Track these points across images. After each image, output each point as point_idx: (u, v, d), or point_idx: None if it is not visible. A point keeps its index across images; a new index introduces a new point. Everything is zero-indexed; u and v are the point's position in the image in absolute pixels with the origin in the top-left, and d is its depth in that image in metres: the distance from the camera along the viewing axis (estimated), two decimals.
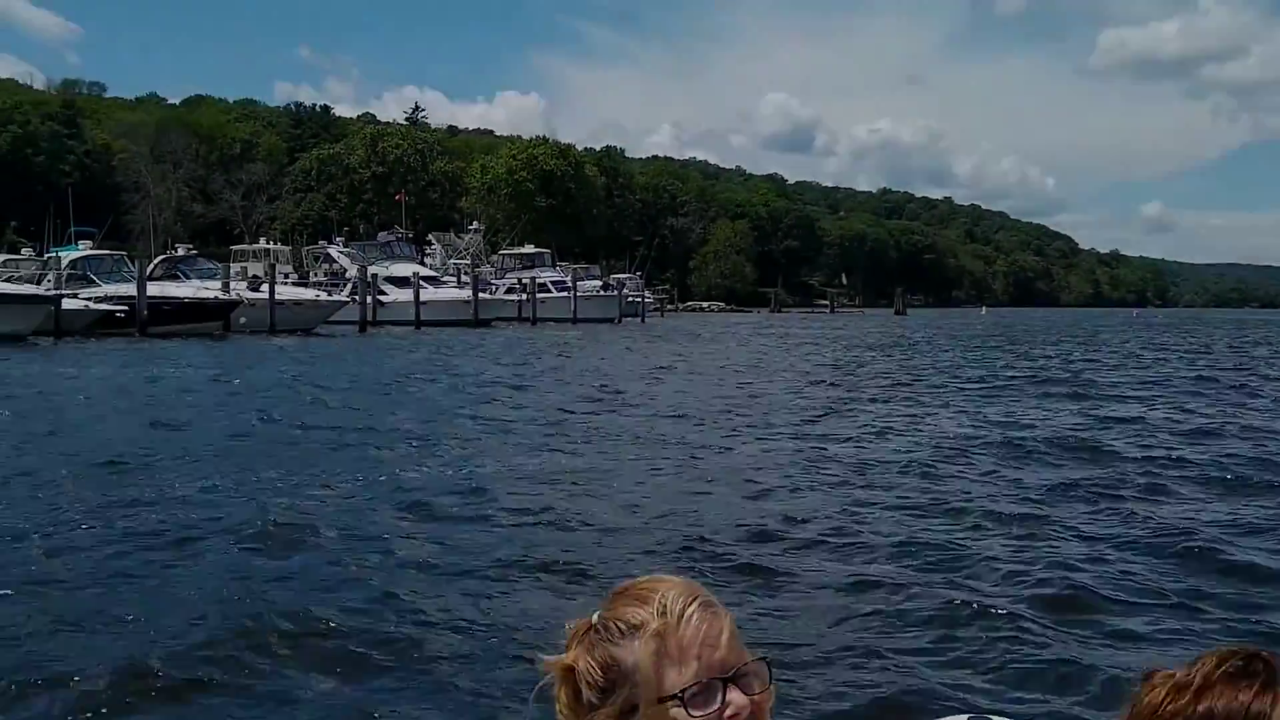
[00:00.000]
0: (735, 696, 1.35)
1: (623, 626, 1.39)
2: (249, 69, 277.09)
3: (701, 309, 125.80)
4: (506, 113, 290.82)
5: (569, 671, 1.43)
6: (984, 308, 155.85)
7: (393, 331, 48.46)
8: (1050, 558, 7.40)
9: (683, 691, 1.34)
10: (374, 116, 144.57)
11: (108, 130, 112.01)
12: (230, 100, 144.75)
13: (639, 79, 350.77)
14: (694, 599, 1.39)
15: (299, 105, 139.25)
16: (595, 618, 1.44)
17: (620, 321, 68.26)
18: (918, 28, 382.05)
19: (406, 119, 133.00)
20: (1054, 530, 8.36)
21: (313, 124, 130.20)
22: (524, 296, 64.69)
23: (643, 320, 74.08)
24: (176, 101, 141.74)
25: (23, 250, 48.61)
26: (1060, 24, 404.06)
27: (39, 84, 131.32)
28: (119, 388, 19.84)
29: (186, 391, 19.30)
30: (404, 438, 13.47)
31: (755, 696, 1.36)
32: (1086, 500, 9.62)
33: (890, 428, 15.15)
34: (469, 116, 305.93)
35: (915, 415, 16.84)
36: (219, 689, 5.06)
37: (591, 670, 1.40)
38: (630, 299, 75.73)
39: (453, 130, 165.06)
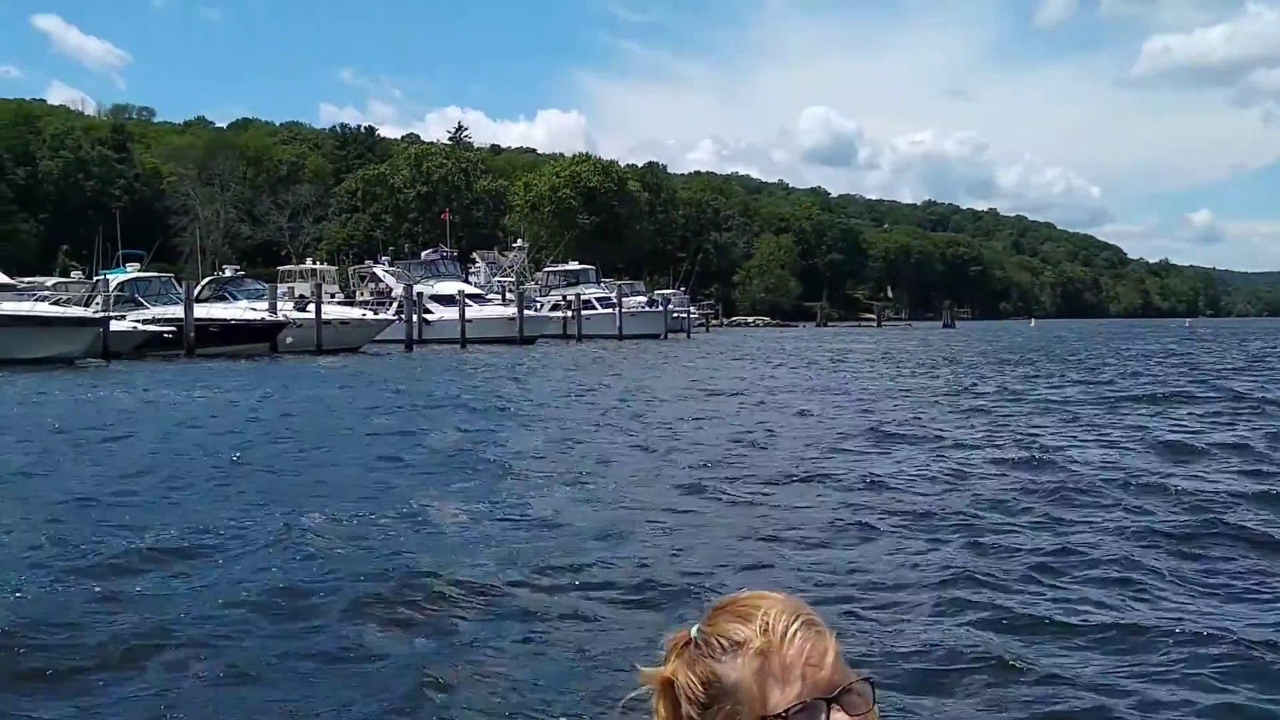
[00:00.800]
0: (839, 717, 1.32)
1: (725, 643, 1.37)
2: (294, 92, 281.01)
3: (746, 323, 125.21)
4: (547, 131, 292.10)
5: (668, 684, 1.41)
6: (1032, 320, 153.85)
7: (438, 350, 48.21)
8: None
9: (786, 711, 1.31)
10: (418, 137, 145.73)
11: (156, 154, 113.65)
12: (277, 123, 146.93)
13: (678, 95, 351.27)
14: (797, 617, 1.36)
15: (344, 126, 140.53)
16: (695, 632, 1.41)
17: (666, 337, 67.62)
18: (958, 40, 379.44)
19: (450, 138, 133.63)
20: None
21: (358, 145, 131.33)
22: (569, 314, 64.26)
23: (688, 336, 73.38)
24: (224, 125, 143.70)
25: (72, 273, 48.99)
26: (1103, 33, 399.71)
27: (90, 110, 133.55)
28: (176, 407, 19.46)
29: (239, 414, 18.85)
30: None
31: (859, 717, 1.33)
32: None
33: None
34: (510, 135, 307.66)
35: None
36: None
37: (692, 685, 1.38)
38: (676, 314, 75.09)
39: (495, 149, 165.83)
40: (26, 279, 45.08)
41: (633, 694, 1.48)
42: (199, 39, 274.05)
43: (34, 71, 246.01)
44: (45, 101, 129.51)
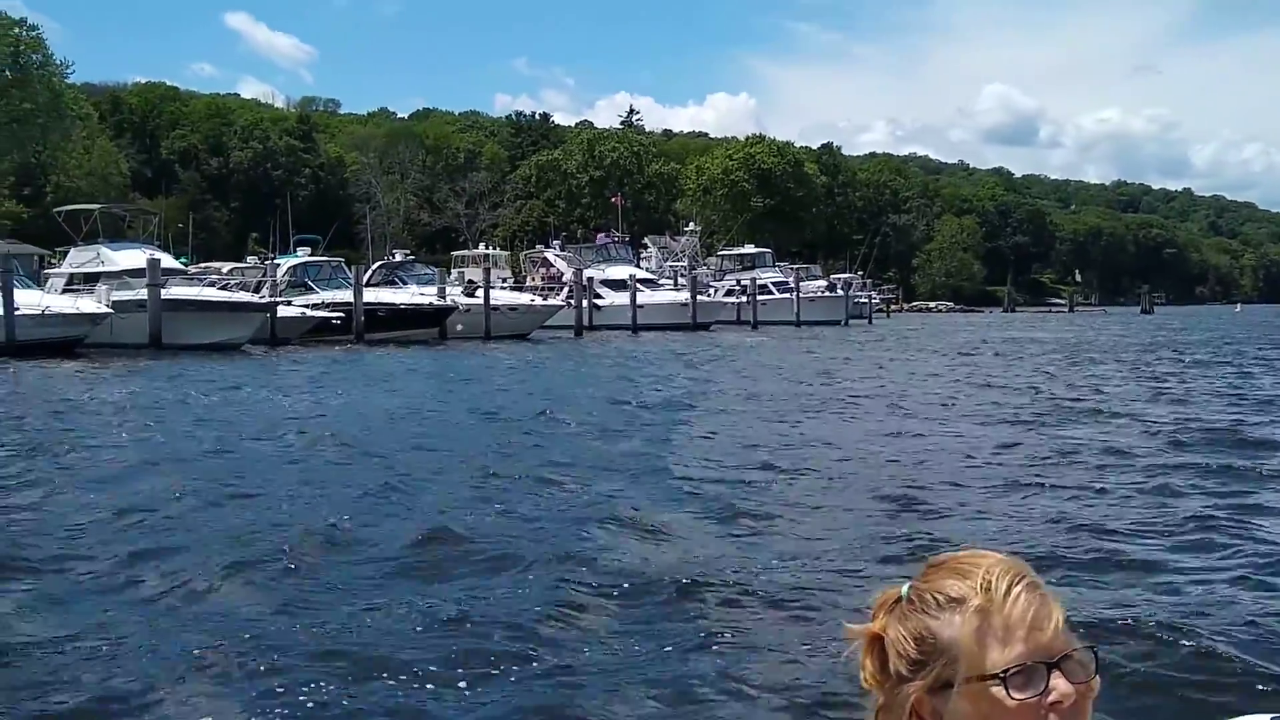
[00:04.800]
0: (1059, 683, 1.26)
1: (941, 599, 1.32)
2: (471, 83, 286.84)
3: (928, 309, 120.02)
4: (717, 115, 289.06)
5: (876, 640, 1.38)
6: (1238, 305, 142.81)
7: (609, 337, 46.54)
8: None
9: (1004, 671, 1.26)
10: (591, 124, 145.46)
11: (341, 144, 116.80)
12: (456, 112, 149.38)
13: (850, 76, 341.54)
14: (1021, 577, 1.31)
15: (519, 114, 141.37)
16: (907, 589, 1.37)
17: (847, 324, 64.32)
18: (1144, 13, 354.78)
19: (622, 123, 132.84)
20: None
21: (532, 132, 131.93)
22: (744, 299, 61.74)
23: (870, 322, 69.81)
24: (405, 115, 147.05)
25: (248, 259, 49.56)
26: None
27: (279, 103, 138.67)
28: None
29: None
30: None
31: (1080, 685, 1.27)
32: None
33: None
34: (680, 120, 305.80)
35: None
36: None
37: (903, 641, 1.34)
38: (856, 299, 71.57)
39: (667, 134, 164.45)
40: (206, 264, 45.77)
41: (845, 652, 1.41)
42: (379, 33, 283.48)
43: (226, 68, 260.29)
44: (238, 96, 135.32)
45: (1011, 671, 1.24)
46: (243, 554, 6.88)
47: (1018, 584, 1.29)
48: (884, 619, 1.37)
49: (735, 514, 8.35)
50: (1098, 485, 9.58)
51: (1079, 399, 18.26)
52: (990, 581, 1.29)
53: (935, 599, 1.32)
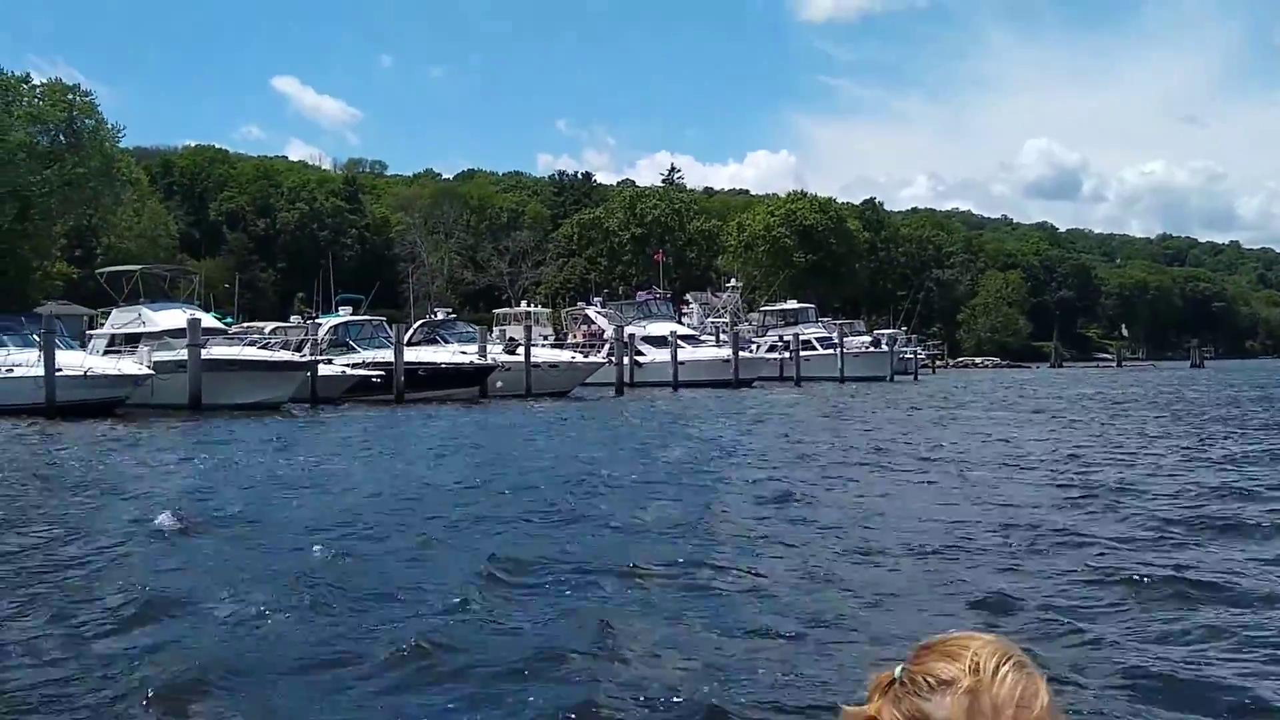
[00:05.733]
0: None
1: (932, 681, 1.36)
2: (514, 143, 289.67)
3: (974, 364, 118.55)
4: (757, 172, 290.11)
5: None
6: None
7: (650, 394, 45.98)
8: None
9: None
10: (632, 182, 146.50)
11: (386, 205, 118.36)
12: (499, 173, 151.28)
13: (892, 131, 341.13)
14: (1008, 657, 1.36)
15: (562, 174, 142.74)
16: (899, 671, 1.41)
17: (893, 379, 63.35)
18: (1189, 65, 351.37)
19: (663, 181, 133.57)
20: None
21: (574, 191, 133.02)
22: (786, 355, 61.08)
23: (916, 378, 68.73)
24: (450, 176, 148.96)
25: (292, 318, 49.78)
26: None
27: (326, 165, 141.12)
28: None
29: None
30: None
31: None
32: None
33: None
34: (721, 178, 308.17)
35: None
36: None
37: None
38: (901, 355, 70.63)
39: (708, 191, 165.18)
40: (249, 324, 45.91)
41: None
42: (424, 96, 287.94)
43: (274, 131, 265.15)
44: (286, 158, 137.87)
45: None
46: None
47: (1005, 664, 1.32)
48: (878, 701, 1.40)
49: None
50: None
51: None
52: (979, 663, 1.32)
53: (927, 681, 1.34)
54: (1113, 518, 10.80)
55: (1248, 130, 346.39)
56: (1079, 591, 7.50)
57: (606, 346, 52.10)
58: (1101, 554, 8.74)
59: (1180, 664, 5.85)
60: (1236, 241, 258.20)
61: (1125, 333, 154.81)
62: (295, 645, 6.26)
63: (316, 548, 9.02)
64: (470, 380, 39.11)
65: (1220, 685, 5.52)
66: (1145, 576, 7.77)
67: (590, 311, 63.65)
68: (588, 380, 44.78)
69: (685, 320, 65.43)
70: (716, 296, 76.53)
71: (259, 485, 14.07)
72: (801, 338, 62.69)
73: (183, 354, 30.67)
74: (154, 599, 7.23)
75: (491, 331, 55.07)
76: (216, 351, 31.45)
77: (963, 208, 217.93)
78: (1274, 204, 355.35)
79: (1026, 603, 7.12)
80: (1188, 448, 18.83)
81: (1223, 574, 7.97)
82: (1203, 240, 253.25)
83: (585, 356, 47.29)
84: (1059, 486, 13.39)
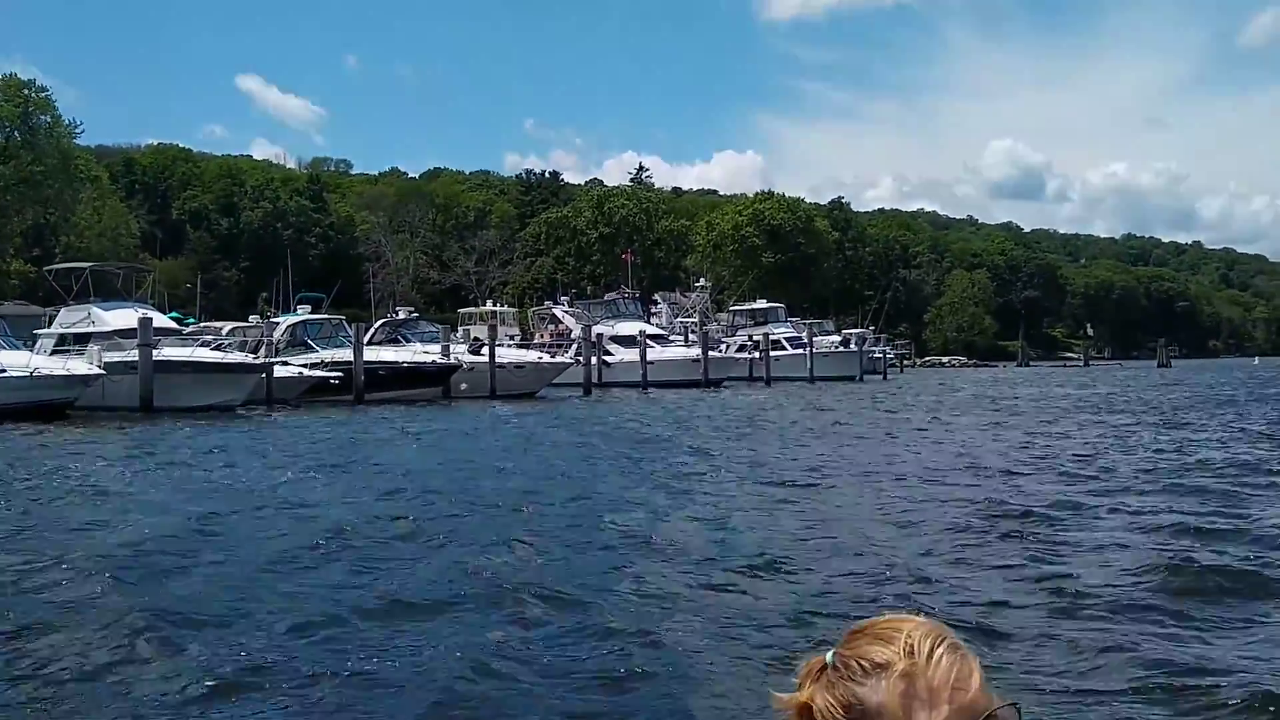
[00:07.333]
0: None
1: (866, 665, 1.34)
2: (482, 143, 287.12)
3: (941, 363, 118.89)
4: (724, 172, 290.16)
5: (805, 709, 1.39)
6: (1256, 358, 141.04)
7: (618, 395, 45.34)
8: None
9: None
10: (600, 182, 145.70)
11: (351, 204, 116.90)
12: (466, 172, 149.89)
13: (858, 133, 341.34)
14: (942, 639, 1.34)
15: (529, 173, 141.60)
16: (831, 656, 1.39)
17: (862, 379, 63.07)
18: (1152, 68, 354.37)
19: (631, 180, 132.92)
20: None
21: (542, 190, 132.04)
22: (756, 355, 60.62)
23: (885, 377, 68.51)
24: (416, 175, 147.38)
25: (250, 318, 48.64)
26: None
27: (291, 164, 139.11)
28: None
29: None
30: None
31: None
32: None
33: None
34: (688, 178, 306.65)
35: None
36: None
37: (831, 709, 1.36)
38: (870, 354, 70.36)
39: (676, 191, 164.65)
40: (206, 324, 44.76)
41: None
42: (390, 94, 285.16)
43: (238, 130, 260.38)
44: (250, 157, 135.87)
45: None
46: None
47: (939, 646, 1.31)
48: (811, 688, 1.37)
49: None
50: None
51: None
52: (913, 645, 1.31)
53: (860, 665, 1.32)
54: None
55: (1210, 132, 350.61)
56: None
57: (574, 346, 51.43)
58: None
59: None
60: (1199, 241, 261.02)
61: (1091, 332, 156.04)
62: None
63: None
64: (433, 381, 38.32)
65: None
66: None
67: (557, 311, 62.93)
68: (555, 381, 44.09)
69: (654, 320, 64.82)
70: (685, 296, 75.97)
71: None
72: (771, 337, 62.26)
73: (134, 355, 29.71)
74: None
75: (456, 331, 54.16)
76: (168, 352, 30.51)
77: (928, 208, 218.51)
78: (1235, 205, 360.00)
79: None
80: None
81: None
82: (1166, 240, 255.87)
83: (552, 357, 46.58)
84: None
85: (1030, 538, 9.77)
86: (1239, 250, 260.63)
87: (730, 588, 7.89)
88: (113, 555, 9.10)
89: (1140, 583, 7.74)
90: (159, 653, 6.20)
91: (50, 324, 34.98)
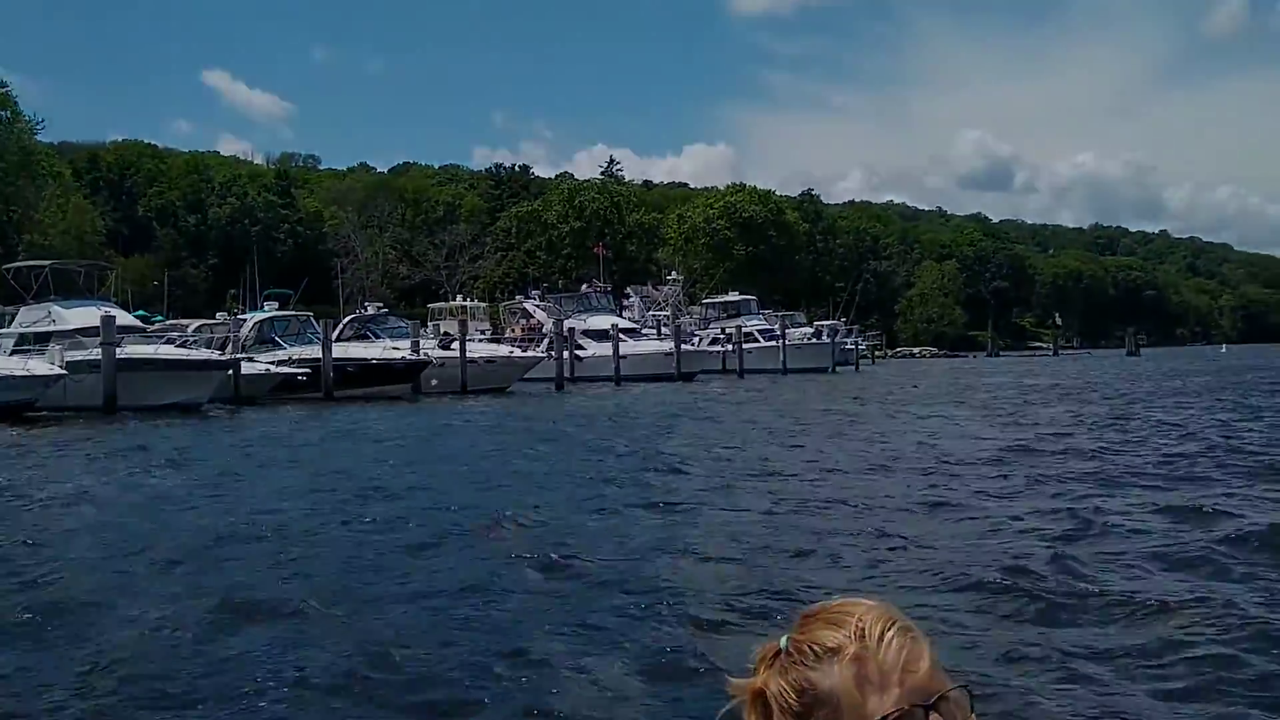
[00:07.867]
0: None
1: (818, 650, 1.35)
2: (450, 136, 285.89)
3: (912, 354, 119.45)
4: (695, 165, 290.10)
5: (759, 695, 1.40)
6: (1224, 346, 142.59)
7: (591, 390, 45.07)
8: None
9: (884, 717, 1.30)
10: (571, 175, 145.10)
11: (319, 199, 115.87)
12: (435, 166, 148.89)
13: (828, 125, 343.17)
14: (892, 622, 1.35)
15: (499, 166, 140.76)
16: (784, 641, 1.40)
17: (834, 371, 63.12)
18: (1119, 59, 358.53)
19: (601, 174, 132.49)
20: None
21: (512, 184, 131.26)
22: (729, 347, 60.49)
23: (857, 369, 68.64)
24: (385, 169, 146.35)
25: (218, 315, 47.97)
26: (1276, 43, 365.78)
27: (258, 160, 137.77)
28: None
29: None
30: None
31: None
32: None
33: None
34: (659, 170, 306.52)
35: None
36: None
37: (785, 694, 1.36)
38: (842, 346, 70.48)
39: (647, 184, 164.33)
40: (173, 321, 44.10)
41: (726, 708, 1.43)
42: (358, 89, 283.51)
43: (205, 126, 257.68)
44: (217, 153, 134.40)
45: (890, 717, 1.27)
46: None
47: (890, 629, 1.32)
48: (765, 673, 1.39)
49: None
50: None
51: None
52: (864, 629, 1.32)
53: (813, 650, 1.34)
54: None
55: (1176, 123, 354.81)
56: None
57: (546, 341, 51.06)
58: None
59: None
60: (1166, 231, 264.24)
61: (1059, 321, 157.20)
62: None
63: None
64: (402, 377, 37.92)
65: None
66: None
67: (529, 305, 62.58)
68: (527, 375, 43.79)
69: (626, 313, 64.62)
70: (657, 289, 75.81)
71: None
72: (744, 330, 62.19)
73: (96, 353, 29.15)
74: None
75: (426, 326, 53.65)
76: (132, 350, 29.93)
77: (897, 200, 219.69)
78: (1201, 194, 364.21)
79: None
80: None
81: None
82: (1133, 230, 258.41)
83: (524, 351, 46.26)
84: None
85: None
86: (1205, 239, 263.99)
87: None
88: None
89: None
90: None
91: (9, 323, 34.28)
